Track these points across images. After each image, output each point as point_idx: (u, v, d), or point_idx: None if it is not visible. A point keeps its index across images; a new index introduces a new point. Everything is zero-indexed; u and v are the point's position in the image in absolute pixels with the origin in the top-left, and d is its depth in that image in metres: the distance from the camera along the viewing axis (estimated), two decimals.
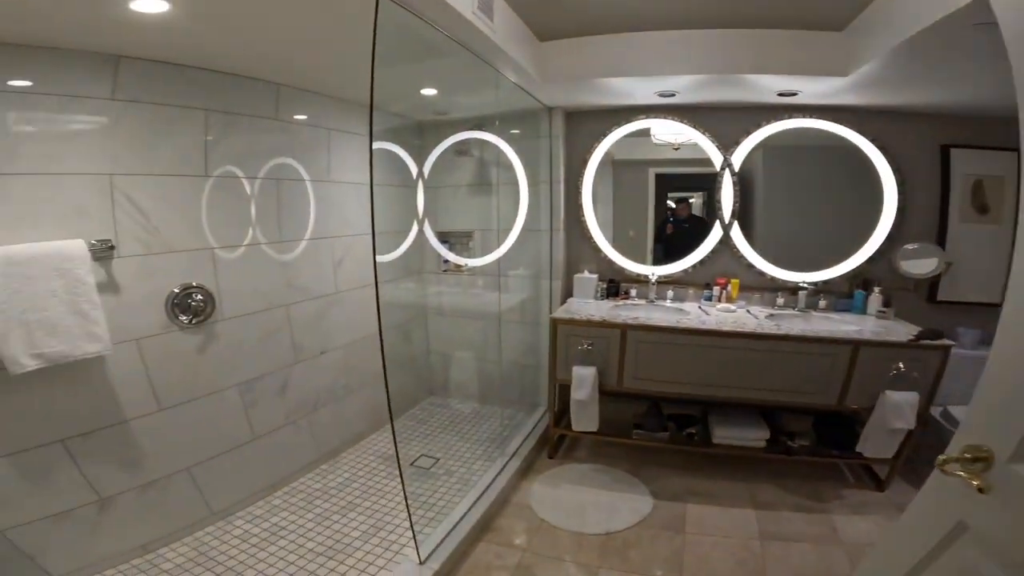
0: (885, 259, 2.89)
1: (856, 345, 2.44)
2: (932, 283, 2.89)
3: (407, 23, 1.61)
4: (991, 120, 2.71)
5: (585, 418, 2.82)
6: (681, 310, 2.98)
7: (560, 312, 2.92)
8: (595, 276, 3.26)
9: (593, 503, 2.60)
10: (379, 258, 3.43)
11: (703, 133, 3.05)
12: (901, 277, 2.85)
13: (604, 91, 2.74)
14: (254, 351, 2.41)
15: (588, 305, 3.08)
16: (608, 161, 3.25)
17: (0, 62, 1.59)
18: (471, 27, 1.77)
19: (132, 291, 1.95)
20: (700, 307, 3.05)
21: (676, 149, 3.13)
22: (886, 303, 2.81)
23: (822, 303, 2.94)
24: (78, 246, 1.70)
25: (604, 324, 2.72)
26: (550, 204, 3.29)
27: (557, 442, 3.10)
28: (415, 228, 3.53)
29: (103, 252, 1.84)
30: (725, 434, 2.79)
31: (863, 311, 2.88)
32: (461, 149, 3.41)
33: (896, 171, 2.82)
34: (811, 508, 2.55)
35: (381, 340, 1.76)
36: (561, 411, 3.07)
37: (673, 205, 3.23)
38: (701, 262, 3.18)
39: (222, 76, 2.18)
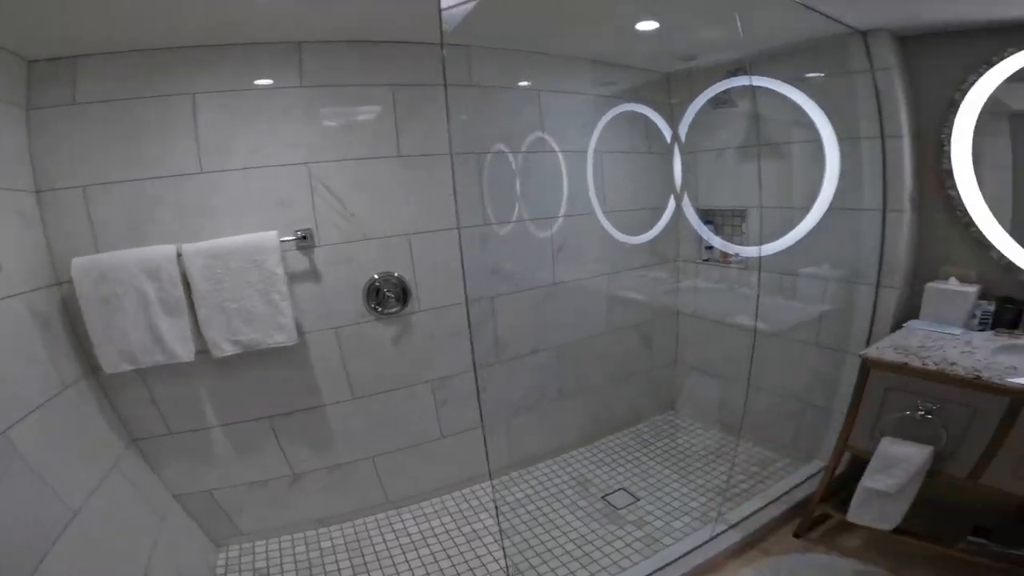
0: None
1: None
2: None
3: None
4: None
5: (878, 513, 1.72)
6: None
7: (884, 347, 1.78)
8: (973, 289, 1.90)
9: None
10: (627, 239, 2.92)
11: None
12: None
13: None
14: (449, 346, 2.23)
15: (947, 340, 1.81)
16: (1000, 113, 1.81)
17: (239, 65, 1.73)
18: None
19: (332, 280, 1.96)
20: None
21: None
22: None
23: None
24: (269, 238, 1.74)
25: (975, 384, 1.52)
26: (883, 171, 2.05)
27: (816, 519, 2.02)
28: (671, 204, 2.77)
29: (304, 242, 1.87)
30: None
31: None
32: (720, 99, 2.45)
33: None
34: None
35: None
36: (841, 482, 1.96)
37: None
38: None
39: (404, 47, 1.95)
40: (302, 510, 2.13)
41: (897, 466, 1.63)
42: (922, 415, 1.62)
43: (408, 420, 2.22)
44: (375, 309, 2.04)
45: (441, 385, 2.26)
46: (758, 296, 2.09)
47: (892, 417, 1.69)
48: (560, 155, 2.43)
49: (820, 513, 2.00)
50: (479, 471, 2.44)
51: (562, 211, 2.45)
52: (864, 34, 1.99)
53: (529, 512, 2.27)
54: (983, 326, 1.87)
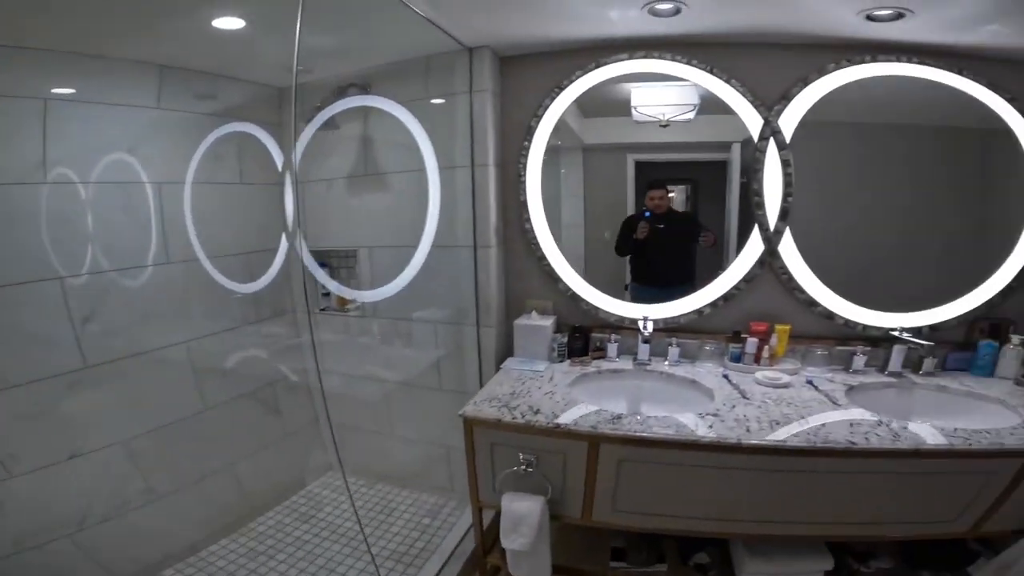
0: None
1: None
2: None
3: None
4: None
5: (529, 568, 1.64)
6: (694, 382, 1.80)
7: (481, 400, 1.66)
8: (549, 322, 2.00)
9: None
10: (235, 287, 2.36)
11: (726, 81, 1.81)
12: None
13: (555, 8, 1.55)
14: None
15: (534, 380, 1.82)
16: (577, 147, 2.01)
17: None
18: None
19: None
20: (726, 375, 1.82)
21: (664, 126, 1.90)
22: None
23: (929, 362, 1.76)
24: None
25: (557, 432, 1.50)
26: (472, 203, 2.05)
27: (492, 571, 1.89)
28: (284, 244, 2.36)
29: None
30: (760, 568, 1.61)
31: (990, 372, 1.76)
32: (331, 121, 2.21)
33: None
34: None
35: None
36: (495, 532, 1.86)
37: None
38: (725, 297, 1.92)
39: None
40: None
41: (523, 523, 1.54)
42: (525, 469, 1.55)
43: None
44: None
45: None
46: (310, 346, 1.83)
47: (504, 473, 1.59)
48: (65, 188, 1.74)
49: (492, 565, 1.84)
50: None
51: (92, 266, 1.75)
52: (471, 51, 1.91)
53: None
54: (561, 357, 1.98)
